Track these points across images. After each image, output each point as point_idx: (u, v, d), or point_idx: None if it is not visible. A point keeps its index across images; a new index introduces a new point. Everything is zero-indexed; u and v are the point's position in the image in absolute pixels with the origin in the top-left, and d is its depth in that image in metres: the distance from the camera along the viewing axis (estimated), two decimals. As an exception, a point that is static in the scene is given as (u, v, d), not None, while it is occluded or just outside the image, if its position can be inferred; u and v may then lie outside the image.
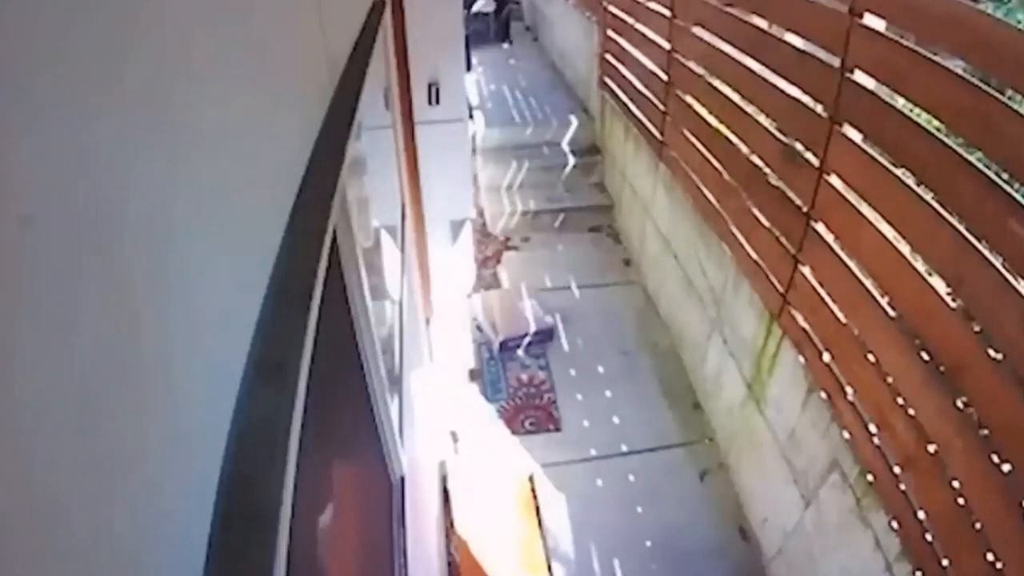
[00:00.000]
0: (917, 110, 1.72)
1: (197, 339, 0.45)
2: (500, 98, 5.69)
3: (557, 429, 3.20)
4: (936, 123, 1.66)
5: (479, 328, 3.74)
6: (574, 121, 5.12)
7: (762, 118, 2.49)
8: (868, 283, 1.88)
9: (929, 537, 1.65)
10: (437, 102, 3.14)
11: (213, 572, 0.41)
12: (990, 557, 1.45)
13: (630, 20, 3.90)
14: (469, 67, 3.66)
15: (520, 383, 3.45)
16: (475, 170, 4.23)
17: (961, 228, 1.49)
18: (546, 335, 3.65)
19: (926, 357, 1.67)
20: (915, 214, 1.65)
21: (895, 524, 1.79)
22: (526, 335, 3.60)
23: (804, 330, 2.23)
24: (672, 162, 3.44)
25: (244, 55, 0.63)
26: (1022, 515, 1.36)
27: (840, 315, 2.03)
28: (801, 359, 2.27)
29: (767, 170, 2.45)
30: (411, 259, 2.67)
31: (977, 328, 1.53)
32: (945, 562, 1.60)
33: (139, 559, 0.36)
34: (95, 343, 0.33)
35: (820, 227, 2.10)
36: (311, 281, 0.64)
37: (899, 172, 1.72)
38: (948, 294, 1.59)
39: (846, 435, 2.01)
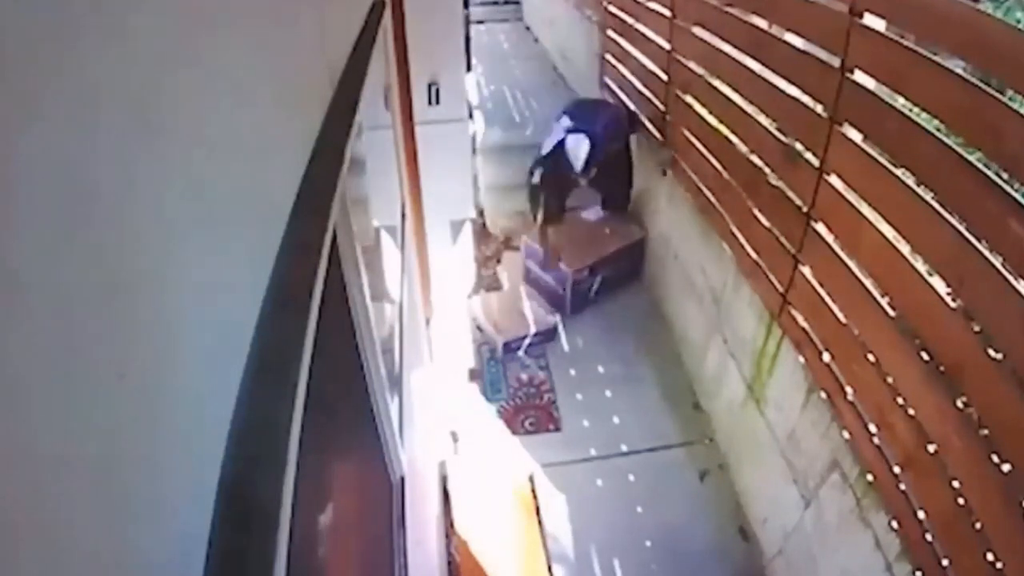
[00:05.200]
0: (917, 110, 1.72)
1: (197, 339, 0.45)
2: (500, 98, 5.70)
3: (557, 429, 3.20)
4: (936, 123, 1.66)
5: (479, 328, 3.74)
6: (574, 121, 5.12)
7: (762, 118, 2.49)
8: (868, 283, 1.88)
9: (929, 537, 1.65)
10: (437, 102, 3.14)
11: (213, 572, 0.41)
12: (990, 557, 1.45)
13: (630, 20, 3.90)
14: (469, 67, 3.65)
15: (520, 383, 3.45)
16: (475, 170, 4.23)
17: (961, 228, 1.49)
18: (548, 335, 3.65)
19: (926, 357, 1.67)
20: (915, 214, 1.65)
21: (895, 524, 1.79)
22: (528, 336, 3.60)
23: (804, 330, 2.23)
24: (672, 162, 3.44)
25: (244, 56, 0.63)
26: (1022, 515, 1.36)
27: (840, 315, 2.03)
28: (801, 359, 2.27)
29: (767, 170, 2.46)
30: (411, 259, 2.67)
31: (977, 328, 1.53)
32: (945, 562, 1.60)
33: (139, 559, 0.36)
34: (94, 343, 0.33)
35: (820, 227, 2.10)
36: (311, 281, 0.64)
37: (899, 172, 1.72)
38: (948, 294, 1.59)
39: (846, 435, 2.01)
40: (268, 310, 0.57)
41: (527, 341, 3.60)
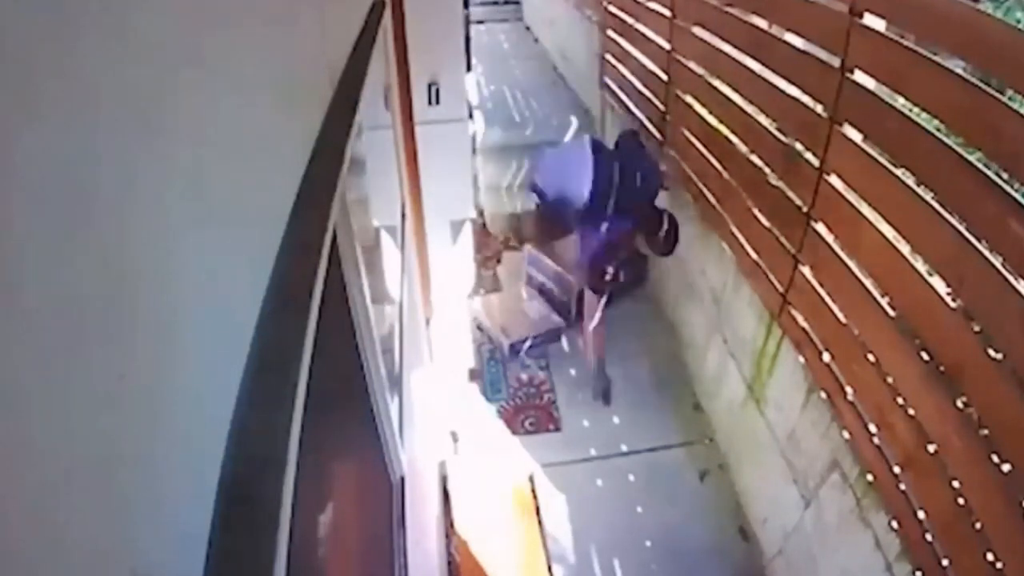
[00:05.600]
0: (917, 110, 1.72)
1: (197, 339, 0.46)
2: (500, 98, 5.69)
3: (557, 429, 3.20)
4: (936, 123, 1.66)
5: (479, 328, 3.74)
6: (574, 121, 5.13)
7: (762, 118, 2.49)
8: (868, 283, 1.88)
9: (929, 537, 1.65)
10: (437, 102, 3.15)
11: (213, 572, 0.41)
12: (990, 557, 1.45)
13: (630, 20, 3.90)
14: (469, 67, 3.64)
15: (520, 383, 3.45)
16: (475, 170, 4.23)
17: (961, 228, 1.49)
18: (554, 335, 3.64)
19: (926, 357, 1.67)
20: (915, 214, 1.65)
21: (895, 524, 1.79)
22: (535, 336, 3.59)
23: (804, 330, 2.23)
24: (672, 162, 3.44)
25: (244, 56, 0.63)
26: (1022, 515, 1.36)
27: (840, 315, 2.03)
28: (801, 359, 2.27)
29: (767, 170, 2.45)
30: (411, 259, 2.67)
31: (977, 328, 1.53)
32: (945, 562, 1.60)
33: (139, 559, 0.36)
34: (95, 344, 0.33)
35: (820, 227, 2.10)
36: (311, 281, 0.64)
37: (899, 172, 1.72)
38: (948, 294, 1.59)
39: (846, 435, 2.01)
40: (268, 310, 0.57)
41: (527, 343, 3.59)
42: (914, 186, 1.66)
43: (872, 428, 1.88)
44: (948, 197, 1.58)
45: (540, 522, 2.62)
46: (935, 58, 1.56)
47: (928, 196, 1.62)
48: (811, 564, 2.21)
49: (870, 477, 1.89)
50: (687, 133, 3.19)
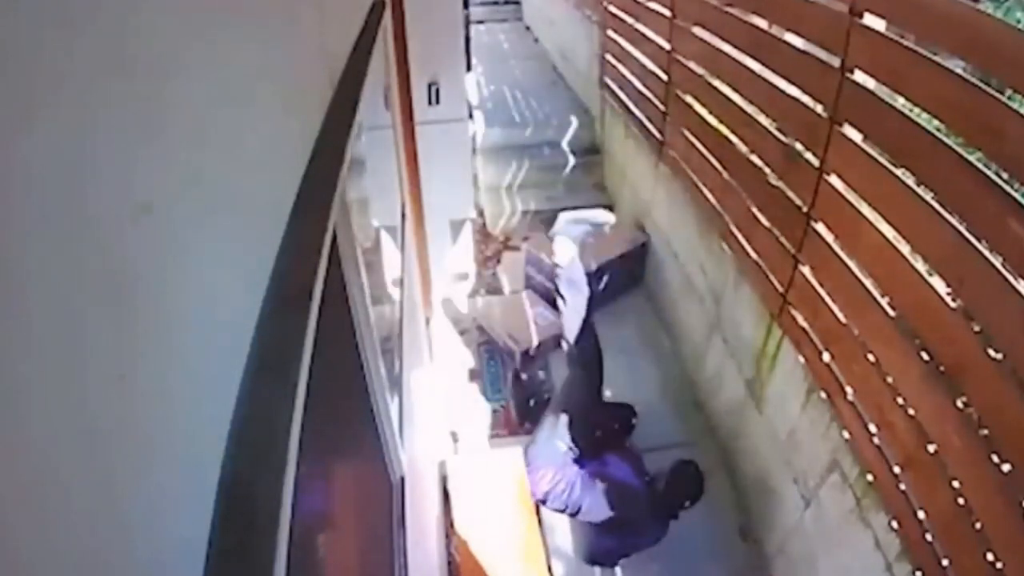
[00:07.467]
0: (917, 110, 1.72)
1: (197, 339, 0.46)
2: (500, 98, 5.69)
3: (557, 429, 3.19)
4: (936, 123, 1.66)
5: (479, 328, 3.73)
6: (574, 121, 5.13)
7: (762, 118, 2.49)
8: (868, 283, 1.88)
9: (929, 537, 1.65)
10: (437, 102, 3.15)
11: (213, 572, 0.41)
12: (990, 557, 1.45)
13: (630, 20, 3.90)
14: (469, 67, 3.63)
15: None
16: (475, 170, 4.23)
17: (961, 228, 1.49)
18: (559, 339, 3.62)
19: (926, 357, 1.67)
20: (915, 214, 1.64)
21: (895, 524, 1.79)
22: (542, 341, 3.58)
23: (804, 330, 2.23)
24: (672, 162, 3.44)
25: (244, 56, 0.63)
26: (1022, 515, 1.36)
27: (840, 315, 2.03)
28: (801, 359, 2.27)
29: (767, 170, 2.45)
30: (411, 259, 2.67)
31: (977, 328, 1.53)
32: (945, 562, 1.60)
33: (139, 559, 0.36)
34: (95, 344, 0.33)
35: (820, 227, 2.10)
36: (311, 281, 0.64)
37: (899, 172, 1.72)
38: (948, 294, 1.59)
39: (846, 435, 2.01)
40: (268, 310, 0.57)
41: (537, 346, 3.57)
42: (914, 186, 1.66)
43: (872, 428, 1.88)
44: (948, 197, 1.58)
45: (540, 521, 2.62)
46: (935, 58, 1.56)
47: (928, 196, 1.62)
48: (811, 564, 2.21)
49: (870, 477, 1.89)
50: (687, 133, 3.19)
